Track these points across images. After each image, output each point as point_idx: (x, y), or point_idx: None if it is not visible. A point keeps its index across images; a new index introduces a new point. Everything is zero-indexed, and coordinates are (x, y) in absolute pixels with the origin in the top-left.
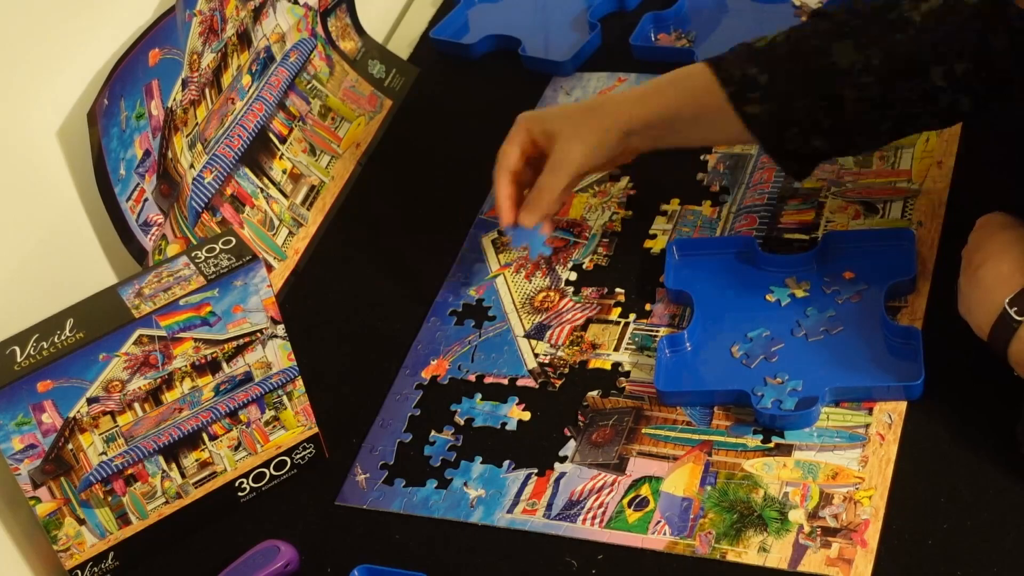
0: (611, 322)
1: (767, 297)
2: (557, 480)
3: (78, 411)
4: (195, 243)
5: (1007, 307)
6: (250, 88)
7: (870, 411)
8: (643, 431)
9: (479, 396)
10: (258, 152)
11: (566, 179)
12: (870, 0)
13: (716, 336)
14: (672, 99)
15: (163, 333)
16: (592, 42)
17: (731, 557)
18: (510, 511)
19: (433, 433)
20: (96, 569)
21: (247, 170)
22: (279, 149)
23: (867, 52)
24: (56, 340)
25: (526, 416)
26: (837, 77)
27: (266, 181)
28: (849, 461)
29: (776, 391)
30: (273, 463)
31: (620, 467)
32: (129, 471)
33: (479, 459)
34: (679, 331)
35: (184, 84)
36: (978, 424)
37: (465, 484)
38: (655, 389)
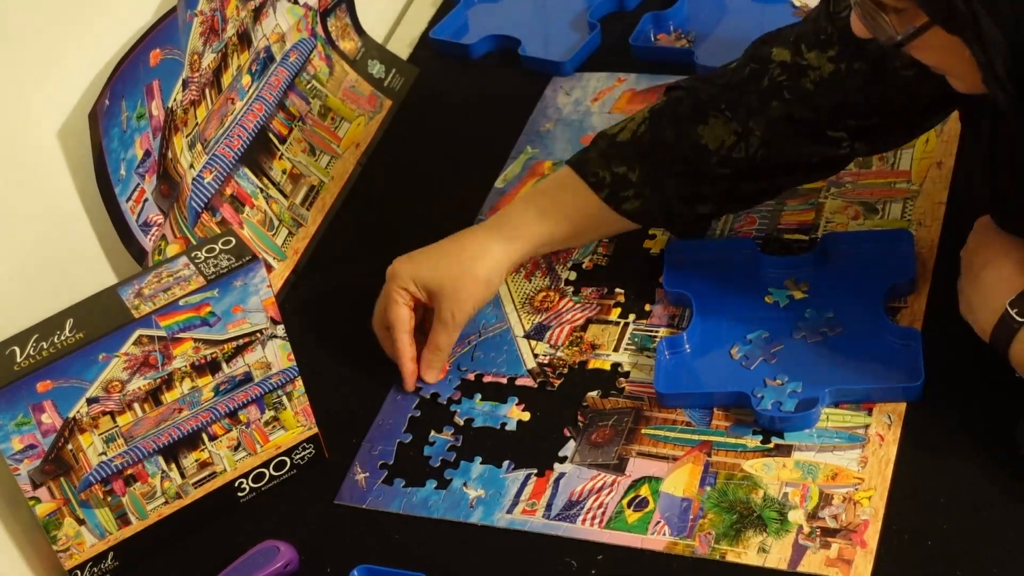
0: (611, 322)
1: (766, 299)
2: (557, 480)
3: (78, 411)
4: (195, 243)
5: (1008, 308)
6: (250, 88)
7: (870, 412)
8: (643, 431)
9: (479, 396)
10: (258, 152)
11: (458, 332)
12: (729, 71)
13: (715, 338)
14: (552, 221)
15: (163, 333)
16: (592, 42)
17: (731, 557)
18: (510, 511)
19: (433, 433)
20: (96, 569)
21: (247, 170)
22: (279, 149)
23: (747, 125)
24: (56, 340)
25: (526, 416)
26: (707, 155)
27: (266, 181)
28: (849, 462)
29: (776, 393)
30: (273, 463)
31: (620, 467)
32: (129, 471)
33: (479, 459)
34: (678, 332)
35: (184, 84)
36: (978, 424)
37: (465, 484)
38: (655, 390)
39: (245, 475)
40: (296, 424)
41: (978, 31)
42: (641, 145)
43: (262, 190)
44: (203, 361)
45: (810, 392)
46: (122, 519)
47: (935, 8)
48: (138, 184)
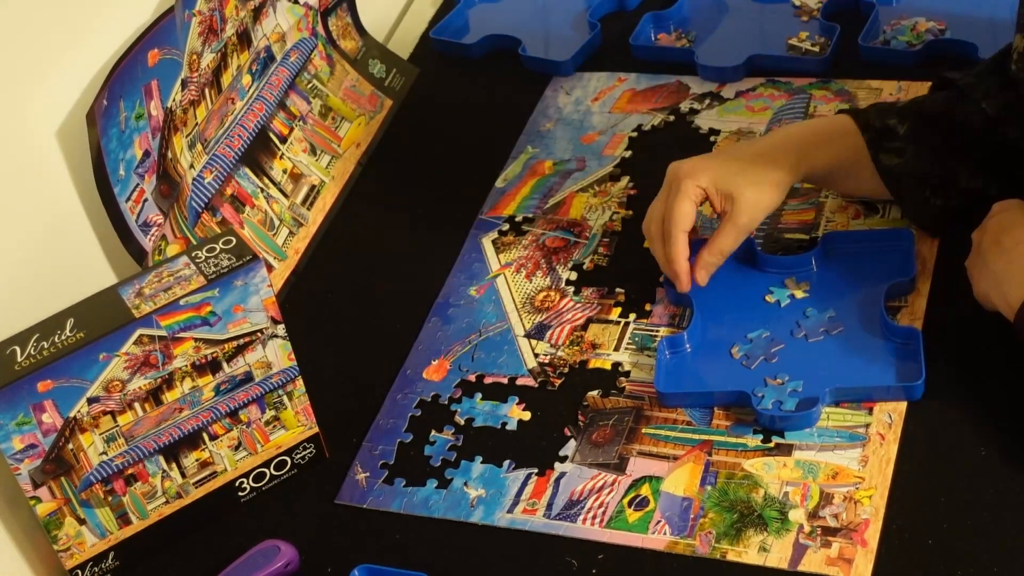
0: (611, 322)
1: (767, 298)
2: (557, 480)
3: (78, 411)
4: (195, 243)
5: None
6: (250, 88)
7: (870, 411)
8: (643, 431)
9: (479, 396)
10: (258, 152)
11: (745, 238)
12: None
13: (716, 337)
14: (822, 152)
15: (163, 333)
16: (592, 42)
17: (731, 557)
18: (510, 511)
19: (433, 433)
20: (96, 569)
21: (247, 170)
22: (279, 149)
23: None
24: (56, 340)
25: (526, 416)
26: (968, 134)
27: (266, 181)
28: (849, 461)
29: (776, 392)
30: (273, 463)
31: (620, 467)
32: (129, 471)
33: (479, 459)
34: (679, 332)
35: (184, 84)
36: (978, 424)
37: (465, 484)
38: (655, 390)
39: (246, 475)
40: (296, 424)
41: None
42: (917, 109)
43: (262, 190)
44: (204, 361)
45: (810, 391)
46: (123, 519)
47: None
48: (137, 184)
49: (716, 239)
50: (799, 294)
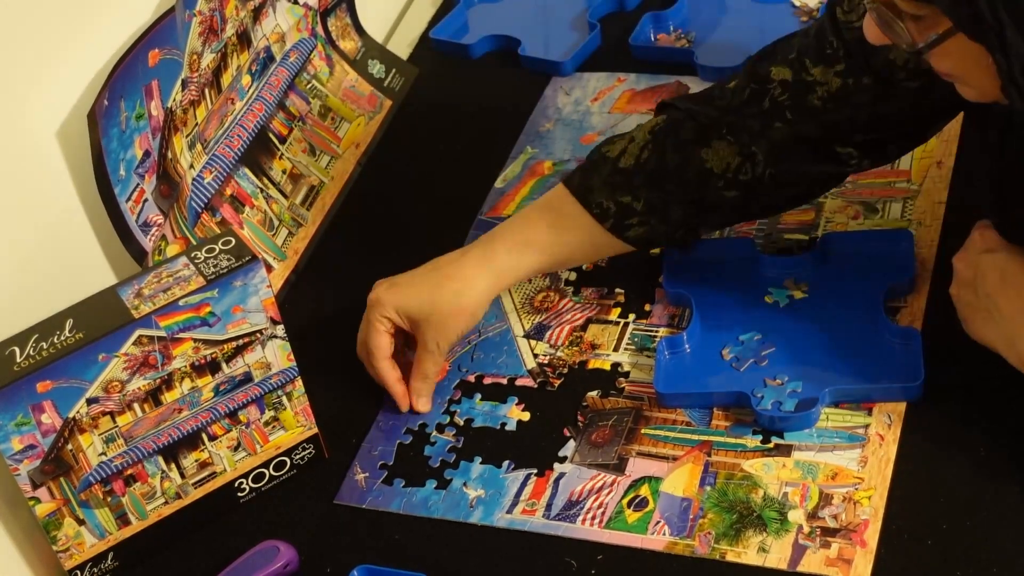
0: (610, 322)
1: (766, 298)
2: (557, 480)
3: (78, 411)
4: (195, 243)
5: None
6: (250, 88)
7: (869, 411)
8: (642, 431)
9: (478, 396)
10: (258, 152)
11: (443, 358)
12: (728, 92)
13: (715, 337)
14: (546, 252)
15: (163, 333)
16: (592, 42)
17: (730, 557)
18: (509, 511)
19: (434, 434)
20: (96, 569)
21: (247, 170)
22: (279, 149)
23: (749, 149)
24: (56, 340)
25: (525, 416)
26: (713, 180)
27: (266, 181)
28: (848, 461)
29: (776, 392)
30: (273, 463)
31: (619, 467)
32: (129, 471)
33: (478, 459)
34: (678, 332)
35: (184, 84)
36: (978, 424)
37: (464, 484)
38: (654, 390)
39: (245, 475)
40: (296, 424)
41: (1003, 40)
42: (646, 172)
43: (262, 190)
44: (203, 361)
45: (810, 392)
46: (122, 519)
47: (961, 16)
48: (138, 184)
49: (416, 365)
50: (798, 294)
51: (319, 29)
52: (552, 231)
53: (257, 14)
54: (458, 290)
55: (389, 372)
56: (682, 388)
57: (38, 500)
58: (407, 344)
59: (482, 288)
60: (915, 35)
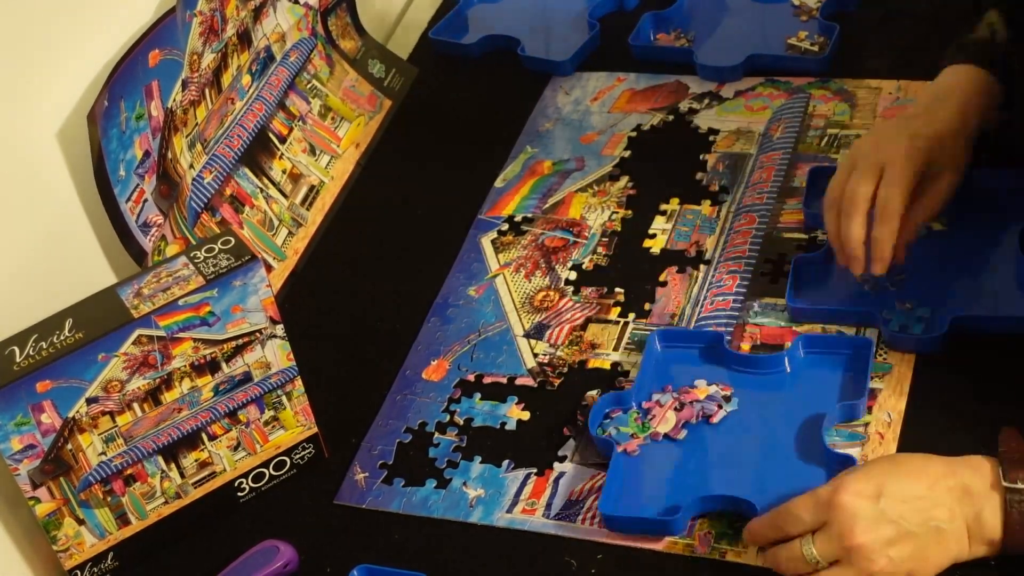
0: (610, 322)
1: None
2: (556, 480)
3: (77, 411)
4: (194, 243)
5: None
6: (250, 88)
7: (869, 410)
8: None
9: (478, 396)
10: (258, 152)
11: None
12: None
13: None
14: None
15: (162, 333)
16: (592, 42)
17: (730, 557)
18: (509, 511)
19: (437, 435)
20: (95, 569)
21: (247, 170)
22: (279, 149)
23: None
24: (55, 340)
25: (525, 416)
26: None
27: (266, 181)
28: None
29: (904, 316)
30: (272, 463)
31: None
32: (128, 471)
33: (478, 459)
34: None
35: (184, 84)
36: (978, 424)
37: (464, 484)
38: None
39: (245, 475)
40: (296, 424)
41: None
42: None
43: (262, 190)
44: (202, 361)
45: (937, 318)
46: (122, 519)
47: None
48: (137, 185)
49: (918, 210)
50: (936, 226)
51: (319, 29)
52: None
53: (257, 14)
54: (957, 109)
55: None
56: (814, 304)
57: (38, 500)
58: None
59: (968, 125)
60: None
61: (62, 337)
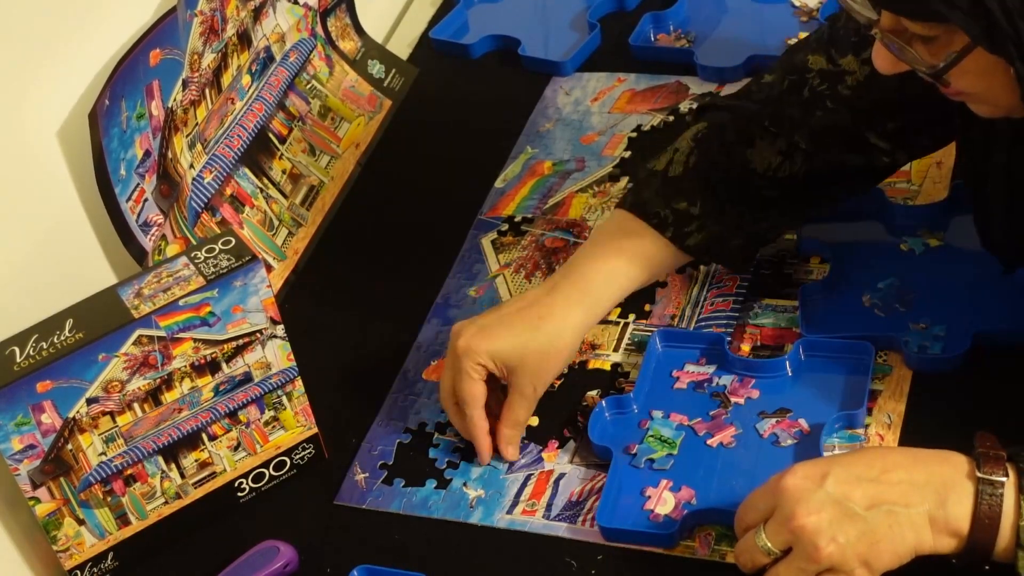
0: (610, 322)
1: (900, 247)
2: (556, 481)
3: (77, 411)
4: (195, 243)
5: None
6: (250, 88)
7: (869, 411)
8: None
9: None
10: (258, 152)
11: (536, 403)
12: (766, 86)
13: (855, 284)
14: (625, 275)
15: (162, 333)
16: (592, 42)
17: (731, 559)
18: (509, 512)
19: (437, 436)
20: (96, 569)
21: (247, 170)
22: (279, 149)
23: (792, 139)
24: (55, 340)
25: None
26: (755, 180)
27: (266, 181)
28: None
29: (921, 336)
30: (272, 463)
31: None
32: (128, 471)
33: (478, 459)
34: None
35: (184, 84)
36: (978, 424)
37: (464, 484)
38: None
39: (245, 475)
40: (296, 424)
41: (1021, 49)
42: (696, 177)
43: (262, 190)
44: (203, 361)
45: (954, 335)
46: (122, 519)
47: (977, 29)
48: (138, 184)
49: (508, 412)
50: (933, 242)
51: (319, 29)
52: (625, 254)
53: (257, 14)
54: (556, 332)
55: (482, 423)
56: (830, 334)
57: (38, 500)
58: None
59: (576, 325)
60: (930, 57)
61: (62, 337)
